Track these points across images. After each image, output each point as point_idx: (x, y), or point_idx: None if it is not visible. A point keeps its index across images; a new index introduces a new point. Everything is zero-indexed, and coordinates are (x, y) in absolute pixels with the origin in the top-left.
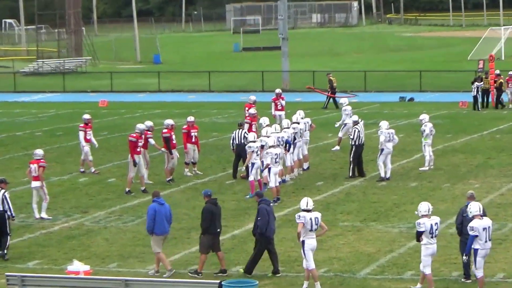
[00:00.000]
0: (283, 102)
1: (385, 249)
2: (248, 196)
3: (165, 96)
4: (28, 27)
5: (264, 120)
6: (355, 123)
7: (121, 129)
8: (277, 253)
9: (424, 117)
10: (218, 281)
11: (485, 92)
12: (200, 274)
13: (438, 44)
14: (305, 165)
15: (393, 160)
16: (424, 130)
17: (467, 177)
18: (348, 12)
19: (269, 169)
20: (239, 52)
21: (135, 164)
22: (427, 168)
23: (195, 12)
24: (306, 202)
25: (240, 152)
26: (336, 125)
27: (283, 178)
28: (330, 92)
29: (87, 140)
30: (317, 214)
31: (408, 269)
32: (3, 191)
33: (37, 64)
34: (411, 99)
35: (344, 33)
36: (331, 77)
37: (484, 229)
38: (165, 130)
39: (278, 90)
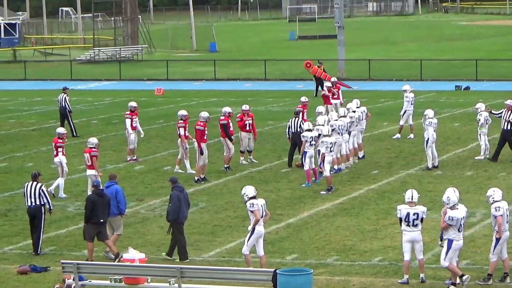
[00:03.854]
0: (339, 91)
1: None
2: (304, 185)
3: (220, 84)
4: (85, 15)
5: (321, 109)
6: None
7: (176, 118)
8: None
9: (480, 106)
10: (273, 269)
11: None
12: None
13: (495, 32)
14: (360, 154)
15: (448, 149)
16: (480, 119)
17: None
18: (404, 0)
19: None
20: (295, 40)
21: (202, 152)
22: (482, 157)
23: (251, 0)
24: (254, 189)
25: (296, 141)
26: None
27: (339, 166)
28: (316, 81)
29: (133, 128)
30: (263, 201)
31: (463, 258)
32: (39, 184)
33: (93, 52)
34: (467, 88)
35: (400, 21)
36: (323, 66)
37: (462, 218)
38: (222, 118)
39: (333, 79)
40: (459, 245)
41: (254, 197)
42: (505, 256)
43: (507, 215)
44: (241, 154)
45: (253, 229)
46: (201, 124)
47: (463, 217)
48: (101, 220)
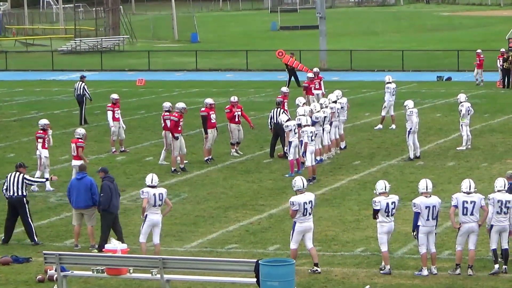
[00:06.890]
0: (321, 81)
1: None
2: (287, 175)
3: (202, 75)
4: (66, 5)
5: (300, 100)
6: None
7: (158, 108)
8: (121, 229)
9: (462, 96)
10: (256, 259)
11: (507, 72)
12: None
13: (476, 23)
14: (342, 144)
15: (430, 140)
16: (461, 110)
17: (504, 156)
18: None
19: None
20: (276, 31)
21: (176, 137)
22: (464, 147)
23: None
24: (151, 178)
25: (278, 131)
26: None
27: (320, 157)
28: (289, 72)
29: (115, 119)
30: (162, 190)
31: (445, 249)
32: (22, 175)
33: (75, 42)
34: (449, 79)
35: (381, 12)
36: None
37: (426, 207)
38: (203, 109)
39: (315, 69)
40: (302, 227)
41: (152, 186)
42: (470, 248)
43: (465, 207)
44: (231, 146)
45: (145, 217)
46: (176, 115)
47: (310, 201)
48: None
